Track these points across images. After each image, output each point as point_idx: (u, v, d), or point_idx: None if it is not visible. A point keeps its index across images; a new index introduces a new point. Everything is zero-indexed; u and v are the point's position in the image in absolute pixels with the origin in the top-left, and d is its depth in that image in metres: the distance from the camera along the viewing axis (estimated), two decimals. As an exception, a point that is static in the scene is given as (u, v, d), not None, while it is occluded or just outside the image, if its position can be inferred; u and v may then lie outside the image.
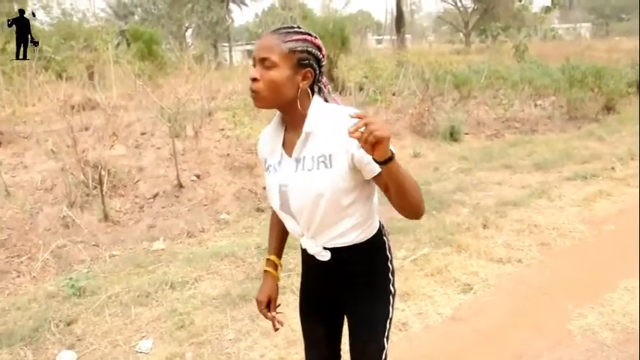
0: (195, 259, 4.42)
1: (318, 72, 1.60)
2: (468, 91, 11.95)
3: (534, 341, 3.11)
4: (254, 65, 1.56)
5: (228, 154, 7.04)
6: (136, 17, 41.37)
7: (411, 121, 9.81)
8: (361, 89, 10.95)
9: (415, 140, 9.22)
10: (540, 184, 6.36)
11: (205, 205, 5.99)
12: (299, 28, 1.58)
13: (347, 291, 1.77)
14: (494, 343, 3.12)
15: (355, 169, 1.55)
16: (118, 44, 19.67)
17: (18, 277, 4.43)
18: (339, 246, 1.67)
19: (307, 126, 1.57)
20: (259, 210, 5.83)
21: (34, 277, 4.43)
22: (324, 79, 1.67)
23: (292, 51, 1.53)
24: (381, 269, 1.76)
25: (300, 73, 1.56)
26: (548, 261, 4.24)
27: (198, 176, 6.49)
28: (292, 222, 1.70)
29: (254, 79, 1.54)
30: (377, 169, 1.50)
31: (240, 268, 4.26)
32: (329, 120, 1.56)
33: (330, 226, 1.63)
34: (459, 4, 43.48)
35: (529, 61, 17.37)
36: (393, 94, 11.00)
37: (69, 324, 3.47)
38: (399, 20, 25.94)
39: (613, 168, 6.87)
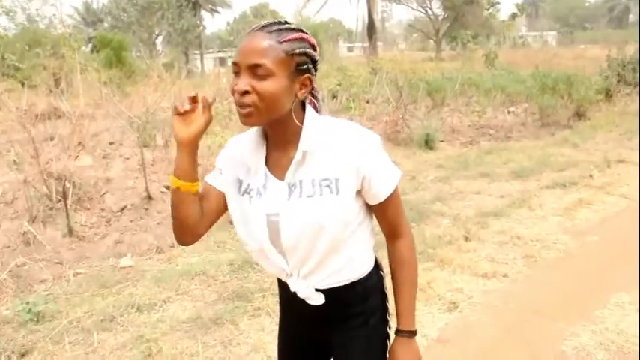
0: (164, 278, 4.17)
1: (314, 77, 1.35)
2: (442, 99, 11.93)
3: (526, 364, 2.95)
4: (237, 73, 1.27)
5: (199, 165, 6.79)
6: (105, 24, 40.77)
7: (386, 128, 9.71)
8: (334, 97, 10.83)
9: (390, 148, 9.08)
10: (520, 193, 6.26)
11: (175, 219, 5.74)
12: (288, 23, 1.30)
13: (337, 336, 1.53)
14: (484, 367, 2.95)
15: (360, 193, 1.36)
16: (92, 51, 19.24)
17: (-29, 299, 4.12)
18: (333, 286, 1.43)
19: (304, 144, 1.31)
20: (232, 223, 5.60)
21: (-11, 299, 4.12)
22: (316, 86, 1.41)
23: (290, 54, 1.25)
24: (377, 310, 1.53)
25: (298, 81, 1.29)
26: (535, 275, 4.09)
27: (168, 188, 6.22)
28: (279, 260, 1.41)
29: (244, 92, 1.24)
30: (383, 195, 1.35)
31: (212, 288, 4.02)
32: (332, 137, 1.33)
33: (327, 262, 1.39)
34: (430, 12, 43.90)
35: (499, 68, 17.59)
36: (367, 102, 10.90)
37: (23, 355, 3.17)
38: (371, 28, 26.00)
39: (591, 176, 6.82)
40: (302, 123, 1.34)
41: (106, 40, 16.12)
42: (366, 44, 28.28)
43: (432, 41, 44.34)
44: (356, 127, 1.36)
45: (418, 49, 44.49)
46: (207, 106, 1.33)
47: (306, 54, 1.29)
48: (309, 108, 1.37)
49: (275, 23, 1.28)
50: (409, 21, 54.40)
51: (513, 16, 32.63)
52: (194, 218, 1.41)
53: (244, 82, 1.24)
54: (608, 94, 13.04)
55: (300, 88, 1.30)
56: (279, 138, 1.36)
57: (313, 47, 1.32)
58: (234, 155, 1.45)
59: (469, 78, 13.46)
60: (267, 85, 1.23)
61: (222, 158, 1.49)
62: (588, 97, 11.77)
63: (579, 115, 11.67)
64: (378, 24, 28.64)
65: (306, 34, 1.31)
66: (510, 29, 36.22)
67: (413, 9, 45.30)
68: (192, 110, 1.32)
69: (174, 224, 1.43)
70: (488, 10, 39.40)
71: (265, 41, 1.23)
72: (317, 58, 1.34)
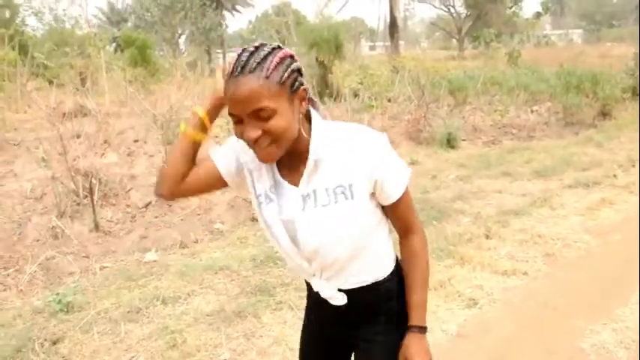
0: (188, 272, 4.26)
1: (305, 85, 1.33)
2: (464, 97, 11.88)
3: (545, 360, 2.97)
4: (238, 122, 1.25)
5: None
6: (129, 24, 41.25)
7: (407, 127, 9.71)
8: (356, 95, 10.84)
9: (411, 147, 9.09)
10: (541, 192, 6.23)
11: (199, 215, 5.83)
12: (263, 46, 1.25)
13: (360, 335, 1.56)
14: (503, 362, 2.98)
15: (374, 195, 1.39)
16: (115, 50, 19.51)
17: (4, 290, 4.25)
18: (356, 287, 1.47)
19: (315, 152, 1.31)
20: (254, 220, 5.67)
21: (20, 290, 4.25)
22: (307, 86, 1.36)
23: (281, 83, 1.22)
24: (401, 311, 1.53)
25: (297, 98, 1.28)
26: (555, 273, 4.10)
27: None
28: (301, 262, 1.44)
29: (256, 140, 1.23)
30: (396, 196, 1.37)
31: (235, 282, 4.10)
32: (341, 142, 1.34)
33: (349, 266, 1.43)
34: (452, 11, 43.64)
35: (523, 67, 17.41)
36: (389, 101, 10.90)
37: (54, 343, 3.29)
38: (393, 26, 25.87)
39: (615, 175, 6.76)
40: (310, 132, 1.34)
41: (131, 39, 16.30)
42: (388, 43, 28.15)
43: (454, 40, 44.08)
44: (363, 129, 1.37)
45: (440, 48, 44.33)
46: None
47: (291, 71, 1.26)
48: (314, 115, 1.37)
49: (250, 56, 1.22)
50: (431, 19, 54.11)
51: (538, 15, 32.22)
52: (182, 174, 1.46)
53: (252, 130, 1.23)
54: (634, 93, 12.84)
55: (300, 103, 1.30)
56: (291, 148, 1.33)
57: (292, 57, 1.29)
58: (244, 152, 1.42)
59: (492, 77, 13.37)
60: (276, 123, 1.22)
61: (233, 147, 1.47)
62: (614, 95, 11.61)
63: (604, 114, 11.53)
64: (400, 22, 28.47)
65: (280, 48, 1.27)
66: (535, 28, 35.83)
67: (435, 7, 45.14)
68: None
69: (164, 171, 1.48)
70: (511, 8, 39.06)
71: (254, 83, 1.19)
72: (300, 65, 1.31)
